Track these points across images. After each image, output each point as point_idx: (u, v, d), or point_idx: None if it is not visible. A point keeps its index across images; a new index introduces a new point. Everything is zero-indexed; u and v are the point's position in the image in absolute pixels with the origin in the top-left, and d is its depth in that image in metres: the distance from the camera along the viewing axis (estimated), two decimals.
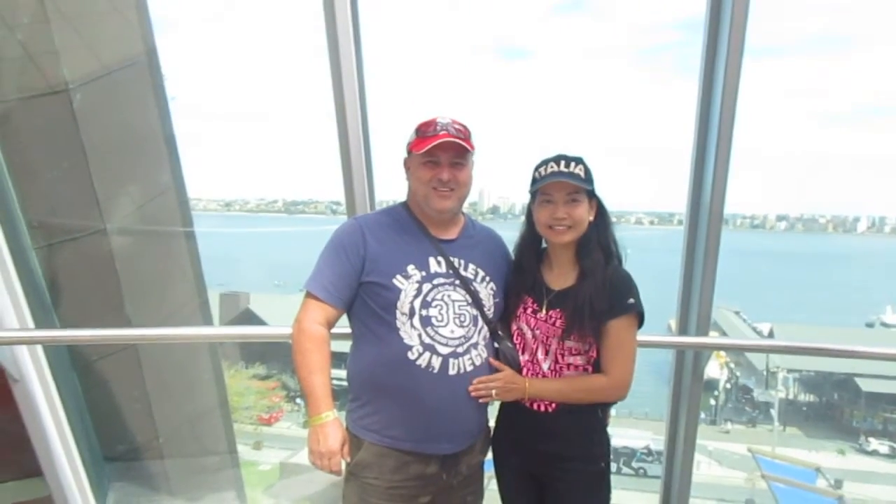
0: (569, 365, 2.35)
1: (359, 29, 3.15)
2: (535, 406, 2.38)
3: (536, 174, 2.33)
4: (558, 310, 2.34)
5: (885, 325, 37.06)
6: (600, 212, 2.36)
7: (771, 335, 29.19)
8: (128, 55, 4.33)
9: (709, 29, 3.04)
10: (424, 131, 2.34)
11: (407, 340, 2.29)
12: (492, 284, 2.45)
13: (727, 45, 2.93)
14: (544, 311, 2.37)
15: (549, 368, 2.36)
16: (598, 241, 2.33)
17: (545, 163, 2.32)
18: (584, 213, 2.30)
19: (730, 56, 2.93)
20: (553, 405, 2.35)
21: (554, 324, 2.34)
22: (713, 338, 3.58)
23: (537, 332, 2.38)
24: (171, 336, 3.56)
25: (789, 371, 29.88)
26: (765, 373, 30.38)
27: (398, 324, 2.30)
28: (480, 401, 2.35)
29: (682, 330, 3.39)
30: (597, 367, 2.34)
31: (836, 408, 30.21)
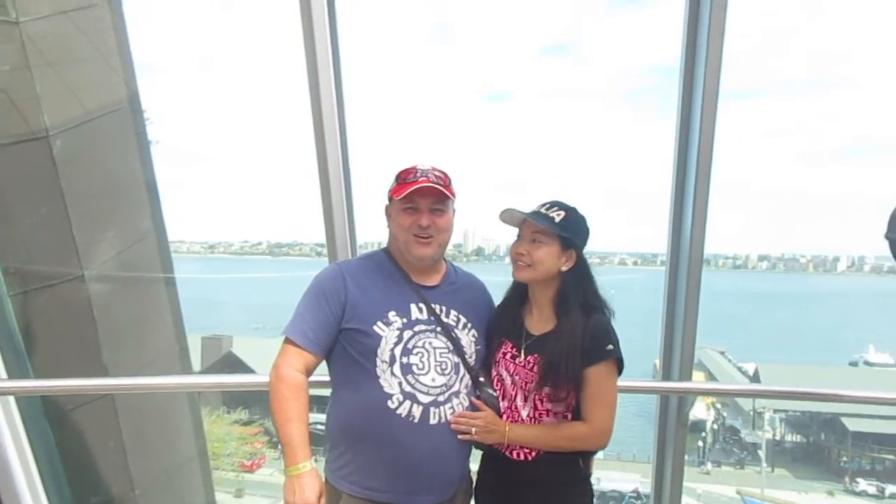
0: (548, 412, 2.31)
1: (339, 73, 3.16)
2: (514, 454, 2.34)
3: (515, 216, 2.36)
4: (535, 355, 2.31)
5: (868, 363, 37.10)
6: (579, 263, 2.34)
7: (756, 375, 29.24)
8: (110, 101, 4.34)
9: (684, 73, 3.08)
10: (404, 178, 2.35)
11: (387, 388, 2.25)
12: (473, 331, 2.43)
13: (702, 88, 2.96)
14: (522, 356, 2.35)
15: (528, 415, 2.33)
16: (576, 291, 2.31)
17: (532, 211, 2.34)
18: (546, 256, 2.28)
19: (705, 100, 2.96)
20: (533, 453, 2.31)
21: (531, 369, 2.30)
22: (697, 383, 3.57)
23: (516, 377, 2.35)
24: (146, 386, 3.48)
25: (776, 411, 29.79)
26: (752, 413, 30.29)
27: (378, 371, 2.26)
28: (460, 437, 2.30)
29: (666, 374, 3.36)
30: (577, 414, 2.30)
31: (823, 448, 30.02)
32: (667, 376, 3.36)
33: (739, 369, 33.82)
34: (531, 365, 2.30)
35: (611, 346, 2.24)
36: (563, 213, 2.30)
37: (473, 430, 2.30)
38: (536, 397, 2.31)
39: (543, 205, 2.32)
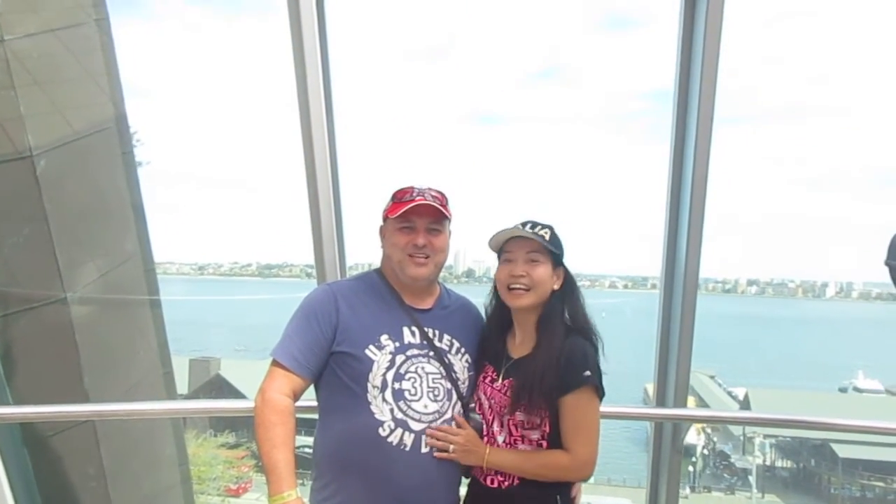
0: (523, 438, 2.22)
1: (330, 92, 3.15)
2: (489, 480, 2.24)
3: (498, 236, 2.28)
4: (510, 379, 2.23)
5: (857, 389, 37.17)
6: (567, 282, 2.28)
7: (746, 400, 29.22)
8: (96, 121, 4.28)
9: (678, 97, 3.06)
10: (401, 197, 2.30)
11: (378, 415, 2.17)
12: (466, 356, 2.36)
13: (697, 112, 2.94)
14: (500, 380, 2.27)
15: (504, 441, 2.24)
16: (562, 312, 2.24)
17: (513, 227, 2.27)
18: (545, 276, 2.21)
19: (700, 124, 2.95)
20: (507, 481, 2.21)
21: (506, 394, 2.22)
22: (692, 410, 3.50)
23: (492, 401, 2.27)
24: (127, 412, 3.38)
25: (766, 436, 29.69)
26: (742, 438, 30.17)
27: (369, 397, 2.18)
28: (435, 454, 2.21)
29: (661, 400, 3.30)
30: (553, 442, 2.20)
31: (813, 474, 29.90)
32: (661, 402, 3.31)
33: (729, 394, 33.83)
34: (505, 389, 2.23)
35: (587, 373, 2.12)
36: (548, 231, 2.24)
37: (451, 447, 2.21)
38: (511, 422, 2.23)
39: (525, 225, 2.25)
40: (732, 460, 30.70)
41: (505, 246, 2.27)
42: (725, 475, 30.40)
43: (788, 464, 31.11)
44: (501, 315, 2.37)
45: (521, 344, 2.30)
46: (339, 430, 2.23)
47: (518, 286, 2.22)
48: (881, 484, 27.62)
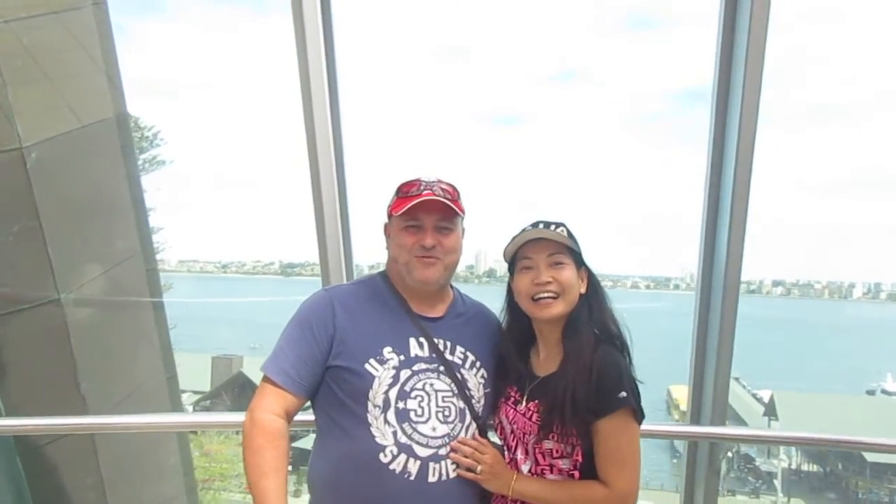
0: (551, 467, 1.95)
1: (336, 88, 3.03)
2: None
3: (512, 243, 2.02)
4: (536, 401, 1.96)
5: (886, 392, 36.51)
6: (592, 284, 2.02)
7: (772, 402, 28.79)
8: (93, 112, 4.05)
9: (717, 94, 2.86)
10: (406, 191, 2.04)
11: (379, 439, 1.92)
12: (482, 371, 2.09)
13: (739, 110, 2.74)
14: (524, 403, 2.00)
15: (529, 471, 1.97)
16: (589, 319, 1.97)
17: (522, 230, 2.02)
18: (573, 278, 1.96)
19: (743, 122, 2.73)
20: None
21: (531, 418, 1.95)
22: (733, 428, 3.21)
23: (515, 426, 2.00)
24: (125, 425, 3.12)
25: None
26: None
27: (370, 418, 1.93)
28: (458, 472, 1.95)
29: (696, 417, 3.04)
30: (585, 472, 1.92)
31: (840, 478, 29.42)
32: (696, 419, 3.05)
33: (754, 396, 33.33)
34: (531, 413, 1.96)
35: (623, 393, 1.85)
36: (563, 229, 1.99)
37: (479, 468, 1.95)
38: (538, 451, 1.96)
39: (536, 225, 2.00)
40: (757, 463, 30.26)
41: (521, 252, 2.00)
42: (750, 479, 29.98)
43: (815, 468, 30.62)
44: (521, 330, 2.10)
45: (545, 360, 2.03)
46: (336, 455, 1.98)
47: (545, 295, 1.95)
48: None
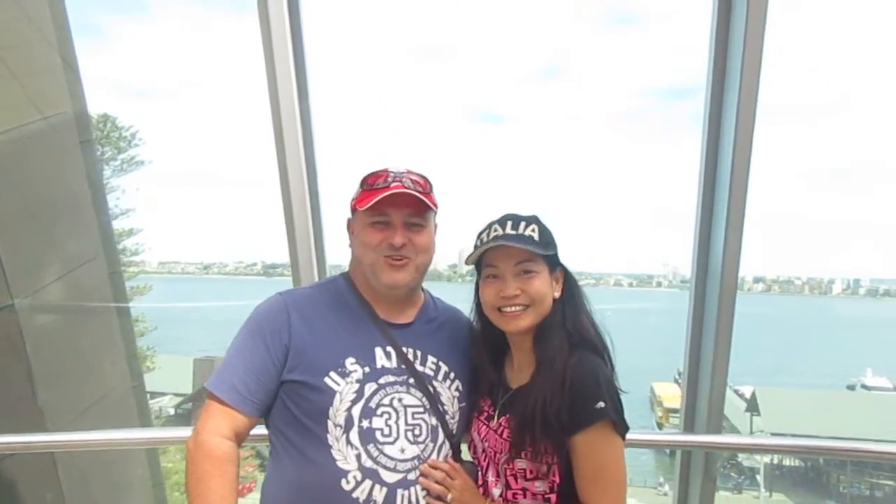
0: (524, 491, 1.73)
1: (305, 82, 2.85)
2: None
3: (478, 241, 1.79)
4: (508, 416, 1.75)
5: (865, 387, 36.86)
6: (568, 285, 1.80)
7: (753, 398, 28.92)
8: (47, 105, 3.78)
9: (712, 88, 2.71)
10: (372, 183, 1.81)
11: (341, 463, 1.70)
12: (457, 384, 1.88)
13: (737, 103, 2.56)
14: (496, 418, 1.79)
15: (500, 496, 1.76)
16: (563, 324, 1.75)
17: (489, 226, 1.78)
18: (545, 287, 1.74)
19: (740, 116, 2.56)
20: None
21: (502, 434, 1.74)
22: (730, 437, 3.05)
23: (486, 444, 1.79)
24: (87, 442, 2.91)
25: (773, 434, 29.35)
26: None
27: (330, 439, 1.71)
28: (427, 500, 1.74)
29: (690, 424, 2.87)
30: (564, 496, 1.70)
31: (822, 473, 29.69)
32: (690, 426, 2.87)
33: (736, 392, 33.47)
34: (502, 429, 1.75)
35: (601, 404, 1.62)
36: (535, 227, 1.76)
37: (450, 496, 1.74)
38: (509, 472, 1.74)
39: (504, 224, 1.76)
40: (740, 459, 30.38)
41: (485, 257, 1.78)
42: (733, 474, 30.07)
43: (796, 463, 30.82)
44: (492, 337, 1.86)
45: (519, 370, 1.81)
46: (292, 481, 1.75)
47: (512, 308, 1.74)
48: (890, 483, 27.39)
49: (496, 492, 1.76)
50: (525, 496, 1.72)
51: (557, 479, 1.69)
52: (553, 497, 1.70)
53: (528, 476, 1.71)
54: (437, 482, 1.75)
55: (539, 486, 1.71)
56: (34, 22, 3.68)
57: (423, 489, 1.74)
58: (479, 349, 1.88)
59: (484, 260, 1.77)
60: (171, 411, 24.90)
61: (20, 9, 3.66)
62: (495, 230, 1.74)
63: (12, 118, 3.57)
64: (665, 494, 25.69)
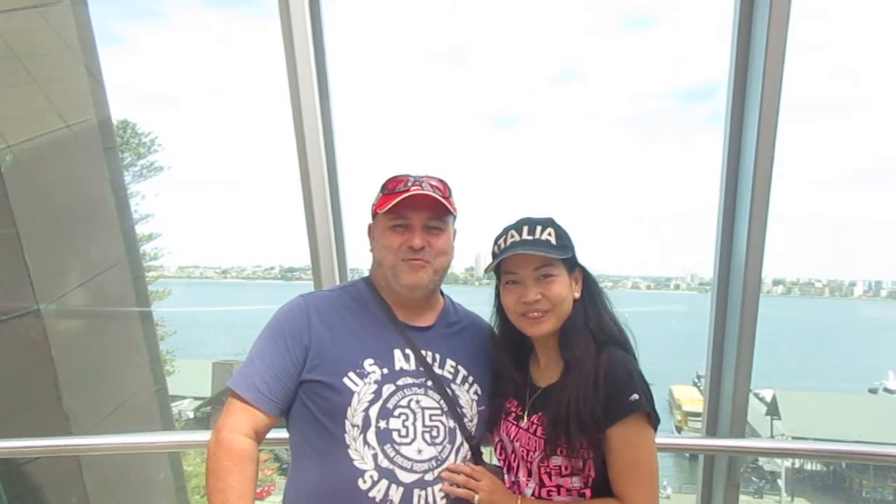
0: (559, 488, 1.74)
1: (326, 85, 2.86)
2: None
3: (495, 248, 1.80)
4: (540, 414, 1.76)
5: (888, 390, 36.40)
6: (588, 285, 1.82)
7: (774, 402, 28.69)
8: (73, 114, 3.84)
9: (734, 87, 2.66)
10: (393, 188, 1.83)
11: (358, 462, 1.71)
12: (475, 387, 1.89)
13: (759, 103, 2.51)
14: (525, 417, 1.80)
15: (532, 494, 1.77)
16: (586, 324, 1.77)
17: (505, 232, 1.80)
18: (565, 290, 1.75)
19: (763, 115, 2.52)
20: None
21: (535, 433, 1.75)
22: (754, 440, 3.02)
23: (517, 444, 1.80)
24: (111, 446, 2.93)
25: (794, 438, 29.05)
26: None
27: (348, 439, 1.72)
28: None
29: (712, 428, 2.84)
30: (599, 491, 1.72)
31: (844, 477, 29.32)
32: (713, 431, 2.84)
33: (756, 395, 33.18)
34: (534, 427, 1.76)
35: (635, 396, 1.65)
36: (552, 230, 1.77)
37: (477, 497, 1.75)
38: (543, 470, 1.75)
39: (520, 229, 1.78)
40: (760, 463, 30.12)
41: (504, 265, 1.79)
42: (753, 478, 29.80)
43: (818, 467, 30.48)
44: (514, 339, 1.88)
45: (546, 369, 1.83)
46: (312, 481, 1.77)
47: (534, 313, 1.75)
48: None
49: (528, 490, 1.77)
50: (559, 493, 1.74)
51: (593, 474, 1.70)
52: (588, 492, 1.72)
53: (564, 472, 1.72)
54: (459, 486, 1.75)
55: (574, 482, 1.72)
56: (57, 30, 3.74)
57: (441, 491, 1.75)
58: (501, 351, 1.90)
59: (503, 266, 1.79)
60: (191, 415, 25.07)
61: (42, 18, 3.71)
62: (512, 236, 1.77)
63: (37, 126, 3.63)
64: (668, 497, 25.48)
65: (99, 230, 4.26)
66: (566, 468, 1.71)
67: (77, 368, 4.02)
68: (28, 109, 3.68)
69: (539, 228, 1.76)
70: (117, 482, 4.41)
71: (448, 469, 1.77)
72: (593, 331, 1.76)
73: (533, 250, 1.72)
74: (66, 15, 3.68)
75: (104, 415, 4.33)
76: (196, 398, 24.93)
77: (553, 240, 1.75)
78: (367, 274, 2.01)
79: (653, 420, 1.68)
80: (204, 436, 2.42)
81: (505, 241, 1.77)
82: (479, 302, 2.04)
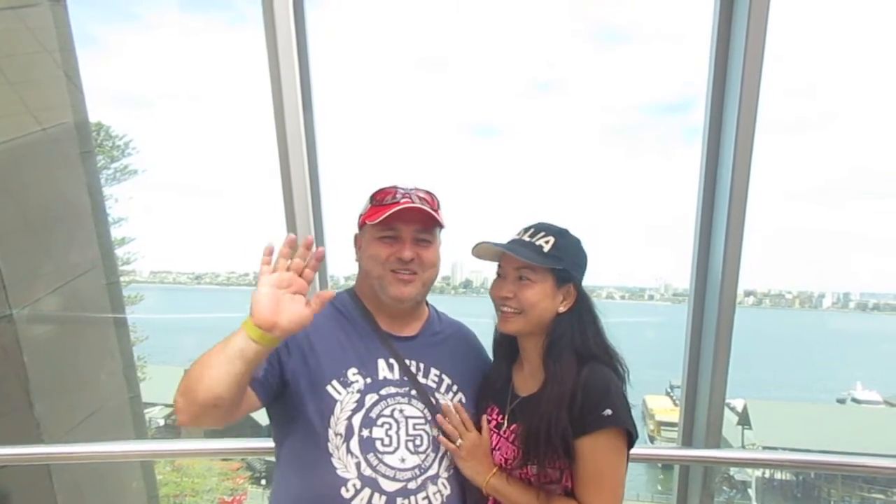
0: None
1: (310, 94, 2.85)
2: None
3: (482, 247, 1.88)
4: (517, 424, 1.80)
5: (856, 400, 36.94)
6: (580, 302, 1.83)
7: (745, 412, 28.96)
8: (49, 116, 3.79)
9: (712, 99, 2.71)
10: (382, 199, 1.84)
11: (341, 471, 1.71)
12: (460, 396, 1.90)
13: (737, 115, 2.57)
14: (506, 425, 1.83)
15: None
16: (571, 340, 1.78)
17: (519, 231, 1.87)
18: (538, 297, 1.78)
19: (740, 127, 2.57)
20: None
21: (513, 442, 1.79)
22: (729, 451, 3.06)
23: (497, 452, 1.83)
24: (74, 454, 2.87)
25: (765, 448, 29.38)
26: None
27: (331, 447, 1.72)
28: (439, 438, 1.81)
29: (687, 438, 2.87)
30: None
31: (813, 486, 29.67)
32: (689, 441, 2.88)
33: (728, 405, 33.49)
34: (512, 437, 1.80)
35: (609, 411, 1.66)
36: (552, 239, 1.80)
37: (459, 441, 1.80)
38: (522, 476, 1.78)
39: (527, 230, 1.84)
40: (732, 473, 30.34)
41: (500, 258, 1.86)
42: (724, 488, 29.99)
43: (788, 476, 30.82)
44: (506, 341, 1.92)
45: (529, 378, 1.86)
46: (296, 488, 1.77)
47: (505, 308, 1.81)
48: (881, 496, 27.41)
49: None
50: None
51: (570, 484, 1.73)
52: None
53: (542, 480, 1.74)
54: (452, 426, 1.82)
55: (554, 489, 1.75)
56: (34, 32, 3.69)
57: (424, 499, 1.76)
58: (496, 351, 1.96)
59: (500, 258, 1.85)
60: (161, 422, 24.77)
61: (18, 18, 3.66)
62: (517, 234, 1.84)
63: (11, 129, 3.57)
64: None
65: (74, 234, 4.20)
66: (543, 477, 1.73)
67: (49, 375, 3.94)
68: (2, 111, 3.62)
69: (540, 234, 1.81)
70: (88, 490, 4.33)
71: (444, 410, 1.82)
72: (577, 347, 1.77)
73: (515, 253, 1.76)
74: (45, 17, 3.64)
75: (77, 422, 4.25)
76: (167, 405, 24.59)
77: (547, 248, 1.78)
78: (343, 282, 2.01)
79: (625, 439, 1.70)
80: (179, 444, 2.40)
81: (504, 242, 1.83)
82: (453, 311, 2.11)
